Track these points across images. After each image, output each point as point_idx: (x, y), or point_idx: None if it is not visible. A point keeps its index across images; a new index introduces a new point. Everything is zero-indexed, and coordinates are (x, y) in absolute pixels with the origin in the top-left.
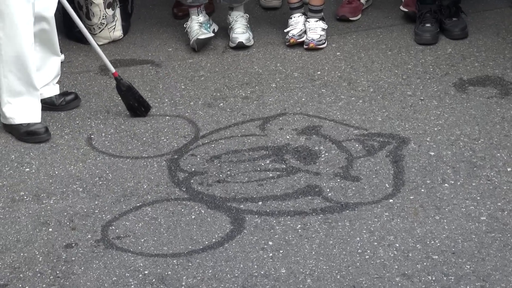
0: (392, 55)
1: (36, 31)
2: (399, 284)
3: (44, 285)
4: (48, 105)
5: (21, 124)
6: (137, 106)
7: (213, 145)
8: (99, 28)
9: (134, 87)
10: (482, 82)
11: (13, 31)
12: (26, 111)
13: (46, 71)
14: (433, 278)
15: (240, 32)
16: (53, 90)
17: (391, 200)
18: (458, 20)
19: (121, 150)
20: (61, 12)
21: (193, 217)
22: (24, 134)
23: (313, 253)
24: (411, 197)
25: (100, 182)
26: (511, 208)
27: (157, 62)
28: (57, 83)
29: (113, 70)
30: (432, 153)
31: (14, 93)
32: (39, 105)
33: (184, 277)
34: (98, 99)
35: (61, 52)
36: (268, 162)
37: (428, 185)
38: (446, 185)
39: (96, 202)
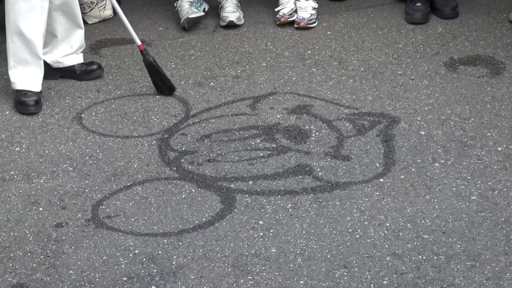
0: (383, 34)
1: (59, 4)
2: (390, 264)
3: (34, 265)
4: (69, 72)
5: (19, 91)
6: (160, 83)
7: (204, 124)
8: (89, 7)
9: (157, 64)
10: (473, 62)
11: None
12: (27, 79)
13: (70, 42)
14: (424, 258)
15: (231, 11)
16: (76, 59)
17: (381, 180)
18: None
19: (111, 129)
20: None
21: (183, 196)
22: (17, 102)
23: (304, 232)
24: (402, 177)
25: (91, 162)
26: (502, 187)
27: (148, 41)
28: (80, 52)
29: (139, 42)
30: (423, 133)
31: (19, 59)
32: (41, 75)
33: (175, 257)
34: None
35: None
36: (258, 141)
37: (419, 164)
38: (436, 164)
39: (87, 182)
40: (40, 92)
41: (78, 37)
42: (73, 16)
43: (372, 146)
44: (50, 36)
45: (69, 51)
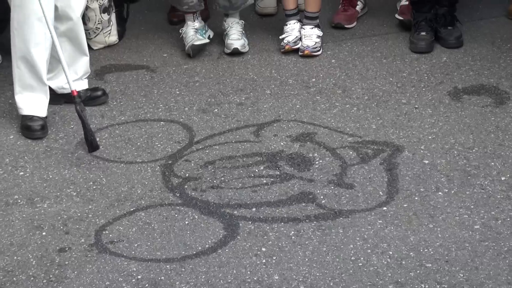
0: (387, 63)
1: (64, 30)
2: None
3: None
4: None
5: (25, 116)
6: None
7: (207, 151)
8: (95, 32)
9: (84, 116)
10: (477, 91)
11: (20, 26)
12: (33, 104)
13: (74, 68)
14: (426, 286)
15: (235, 38)
16: (81, 85)
17: (384, 208)
18: (453, 29)
19: (115, 155)
20: None
21: (186, 222)
22: (22, 126)
23: (306, 260)
24: (405, 205)
25: (94, 187)
26: (505, 217)
27: (152, 67)
28: (85, 78)
29: (72, 88)
30: (426, 161)
31: (25, 85)
32: (46, 100)
33: (177, 282)
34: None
35: None
36: (262, 168)
37: (422, 193)
38: (440, 193)
39: (90, 207)
40: (46, 117)
41: (83, 63)
42: (78, 42)
43: (376, 175)
44: (55, 62)
45: (74, 77)
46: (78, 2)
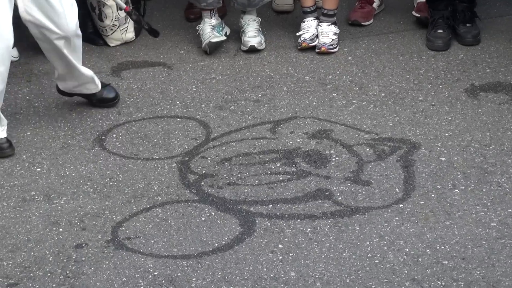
0: (404, 60)
1: (59, 44)
2: None
3: (54, 285)
4: (84, 97)
5: None
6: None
7: (224, 148)
8: (111, 29)
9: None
10: (494, 88)
11: None
12: None
13: (74, 78)
14: (443, 284)
15: (252, 35)
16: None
17: (401, 205)
18: (472, 26)
19: (132, 151)
20: None
21: (203, 219)
22: None
23: (323, 256)
24: (422, 202)
25: (111, 183)
26: None
27: (169, 64)
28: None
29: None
30: (443, 159)
31: None
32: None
33: (194, 279)
34: None
35: None
36: (278, 165)
37: (439, 190)
38: (456, 190)
39: (107, 203)
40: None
41: (80, 75)
42: (72, 57)
43: (392, 172)
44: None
45: (75, 84)
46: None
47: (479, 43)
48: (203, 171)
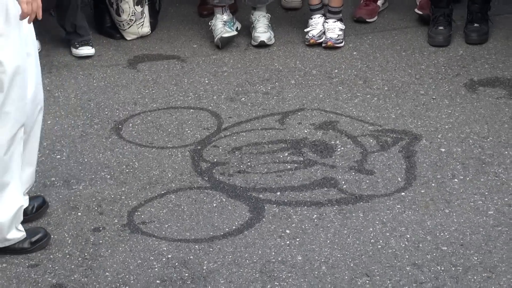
0: (406, 56)
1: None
2: (410, 273)
3: (72, 266)
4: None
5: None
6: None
7: (235, 137)
8: (128, 24)
9: None
10: (492, 83)
11: None
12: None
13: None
14: (442, 268)
15: (262, 31)
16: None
17: (403, 193)
18: (480, 26)
19: (147, 140)
20: (92, 8)
21: (214, 205)
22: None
23: (328, 241)
24: (422, 191)
25: (127, 170)
26: None
27: (183, 57)
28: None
29: None
30: (443, 150)
31: None
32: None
33: (205, 262)
34: (126, 92)
35: (92, 46)
36: (286, 154)
37: (439, 180)
38: (455, 180)
39: (123, 189)
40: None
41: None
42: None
43: (395, 162)
44: None
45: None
46: None
47: (483, 42)
48: (215, 160)
